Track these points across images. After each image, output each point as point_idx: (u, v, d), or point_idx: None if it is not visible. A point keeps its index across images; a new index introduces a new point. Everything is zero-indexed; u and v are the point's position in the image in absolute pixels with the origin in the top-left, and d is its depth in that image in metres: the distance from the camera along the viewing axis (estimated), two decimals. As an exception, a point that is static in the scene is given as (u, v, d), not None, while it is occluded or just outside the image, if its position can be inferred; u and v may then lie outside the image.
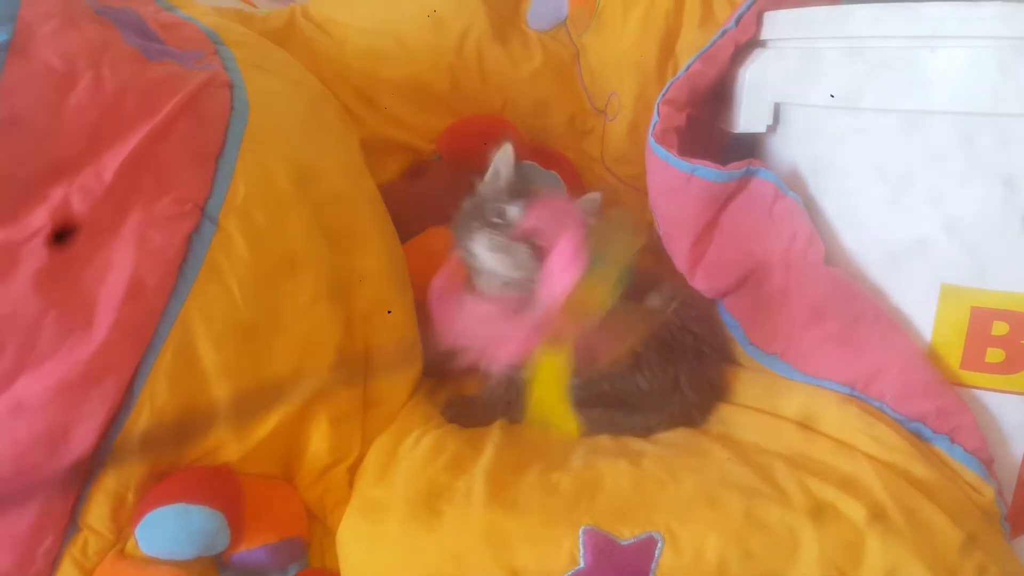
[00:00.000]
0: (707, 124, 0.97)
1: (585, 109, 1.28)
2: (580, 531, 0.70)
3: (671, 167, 0.87)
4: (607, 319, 0.74)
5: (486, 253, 0.83)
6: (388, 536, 0.74)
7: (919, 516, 0.71)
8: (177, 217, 0.73)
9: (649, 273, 0.92)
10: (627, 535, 0.71)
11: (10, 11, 0.75)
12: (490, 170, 0.91)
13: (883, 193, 0.82)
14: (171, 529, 0.71)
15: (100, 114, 0.72)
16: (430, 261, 0.99)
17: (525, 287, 0.80)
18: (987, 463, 0.79)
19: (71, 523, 0.73)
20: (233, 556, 0.75)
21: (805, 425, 0.84)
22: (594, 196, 0.90)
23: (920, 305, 0.82)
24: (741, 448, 0.82)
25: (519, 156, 1.24)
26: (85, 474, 0.72)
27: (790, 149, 0.92)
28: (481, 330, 0.77)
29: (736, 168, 0.85)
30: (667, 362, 0.88)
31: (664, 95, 0.92)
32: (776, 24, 0.91)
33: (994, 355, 0.79)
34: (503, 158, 0.90)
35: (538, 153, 1.27)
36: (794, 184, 0.87)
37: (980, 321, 0.79)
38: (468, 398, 0.93)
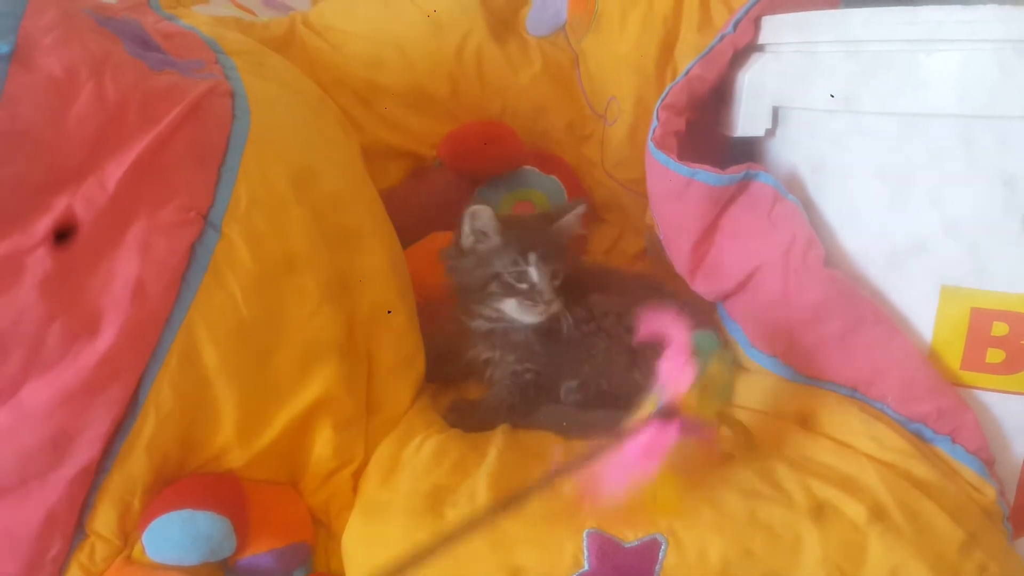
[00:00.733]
0: (706, 128, 0.98)
1: (584, 114, 1.28)
2: (584, 534, 0.71)
3: (671, 171, 0.87)
4: None
5: (522, 315, 0.91)
6: (392, 540, 0.74)
7: (921, 516, 0.72)
8: (180, 225, 0.74)
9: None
10: (631, 537, 0.71)
11: (12, 22, 0.75)
12: (466, 232, 0.92)
13: (883, 193, 0.83)
14: (177, 535, 0.71)
15: (103, 124, 0.72)
16: (432, 265, 1.00)
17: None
18: (989, 464, 0.79)
19: (78, 529, 0.73)
20: (239, 561, 0.75)
21: (806, 426, 0.84)
22: (578, 209, 0.93)
23: (920, 306, 0.82)
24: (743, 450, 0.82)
25: (519, 162, 1.26)
26: (91, 480, 0.72)
27: (790, 150, 0.92)
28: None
29: (735, 172, 0.86)
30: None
31: (663, 100, 0.92)
32: (774, 28, 0.92)
33: (994, 355, 0.80)
34: (484, 221, 0.91)
35: (538, 158, 1.28)
36: (793, 187, 0.87)
37: (980, 322, 0.79)
38: (471, 403, 0.94)
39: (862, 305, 0.84)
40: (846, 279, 0.84)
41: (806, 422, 0.84)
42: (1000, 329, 0.78)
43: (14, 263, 0.68)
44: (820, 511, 0.72)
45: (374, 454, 0.84)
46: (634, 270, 1.12)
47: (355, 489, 0.82)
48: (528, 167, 1.27)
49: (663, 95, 0.93)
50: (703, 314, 0.96)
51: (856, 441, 0.79)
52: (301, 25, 1.27)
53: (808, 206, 0.87)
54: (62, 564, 0.72)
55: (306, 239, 0.82)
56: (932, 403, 0.80)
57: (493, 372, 0.95)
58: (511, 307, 0.91)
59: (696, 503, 0.73)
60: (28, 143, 0.70)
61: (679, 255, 0.94)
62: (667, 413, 0.69)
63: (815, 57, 0.86)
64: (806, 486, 0.74)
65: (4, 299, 0.68)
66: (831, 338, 0.85)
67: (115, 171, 0.72)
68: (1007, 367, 0.80)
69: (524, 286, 0.90)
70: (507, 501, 0.71)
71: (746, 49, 0.94)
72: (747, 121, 0.92)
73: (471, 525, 0.69)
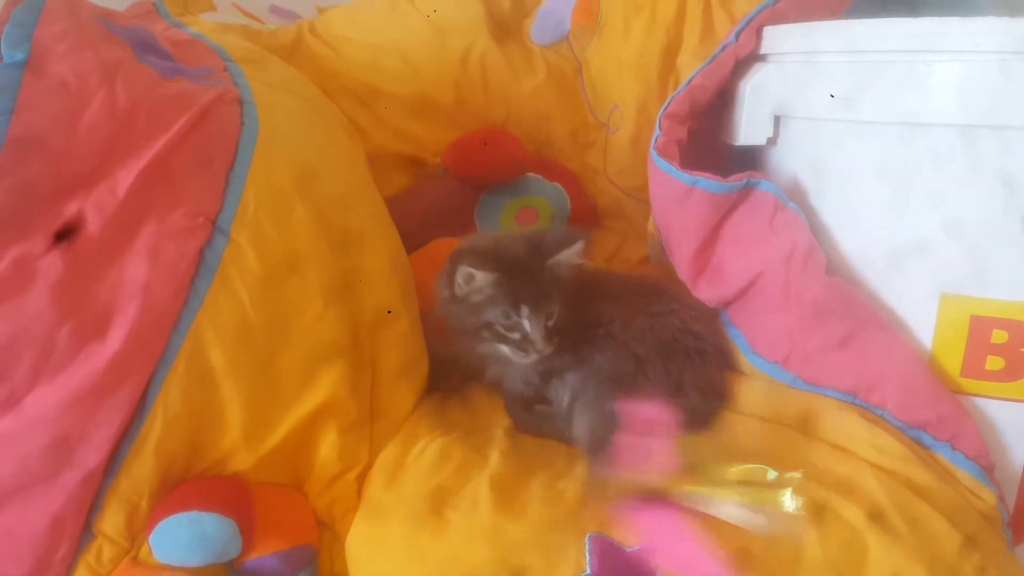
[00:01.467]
0: (708, 137, 0.98)
1: (587, 122, 1.29)
2: (586, 538, 0.71)
3: (673, 179, 0.88)
4: None
5: (514, 358, 0.89)
6: (396, 543, 0.75)
7: (920, 522, 0.72)
8: (189, 230, 0.75)
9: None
10: (633, 541, 0.71)
11: (26, 31, 0.77)
12: (459, 282, 0.89)
13: (883, 194, 0.83)
14: (184, 537, 0.72)
15: (113, 131, 0.74)
16: (436, 271, 1.01)
17: None
18: (988, 470, 0.79)
19: (86, 530, 0.74)
20: (245, 563, 0.75)
21: (807, 432, 0.84)
22: (576, 246, 0.90)
23: (920, 309, 0.82)
24: (743, 456, 0.82)
25: (523, 169, 1.27)
26: (99, 482, 0.73)
27: (790, 153, 0.92)
28: None
29: (737, 180, 0.86)
30: (670, 363, 0.89)
31: (665, 109, 0.92)
32: (775, 38, 0.92)
33: (994, 363, 0.80)
34: (479, 279, 0.88)
35: (541, 165, 1.29)
36: (794, 195, 0.88)
37: (980, 329, 0.79)
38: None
39: (863, 312, 0.84)
40: (847, 286, 0.85)
41: (806, 428, 0.84)
42: (1000, 337, 0.79)
43: (25, 268, 0.69)
44: (820, 516, 0.72)
45: (378, 458, 0.84)
46: (637, 273, 1.12)
47: (359, 492, 0.82)
48: (531, 174, 1.28)
49: (665, 104, 0.93)
50: (706, 318, 0.96)
51: (856, 447, 0.80)
52: (308, 33, 1.28)
53: (809, 209, 0.87)
54: (69, 565, 0.73)
55: (311, 243, 0.82)
56: (932, 410, 0.81)
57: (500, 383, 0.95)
58: (504, 351, 0.90)
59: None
60: (40, 150, 0.71)
61: (681, 262, 0.94)
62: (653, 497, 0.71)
63: (817, 67, 0.87)
64: (806, 492, 0.74)
65: (15, 304, 0.69)
66: (832, 344, 0.85)
67: (125, 177, 0.73)
68: (1007, 375, 0.80)
69: (516, 335, 0.88)
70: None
71: (748, 58, 0.94)
72: (749, 129, 0.92)
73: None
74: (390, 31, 1.27)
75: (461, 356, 0.96)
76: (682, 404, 0.88)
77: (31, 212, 0.70)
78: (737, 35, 0.93)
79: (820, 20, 0.89)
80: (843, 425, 0.82)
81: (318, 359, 0.82)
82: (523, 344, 0.88)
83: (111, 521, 0.74)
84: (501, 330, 0.88)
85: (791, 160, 0.92)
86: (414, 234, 1.09)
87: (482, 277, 0.86)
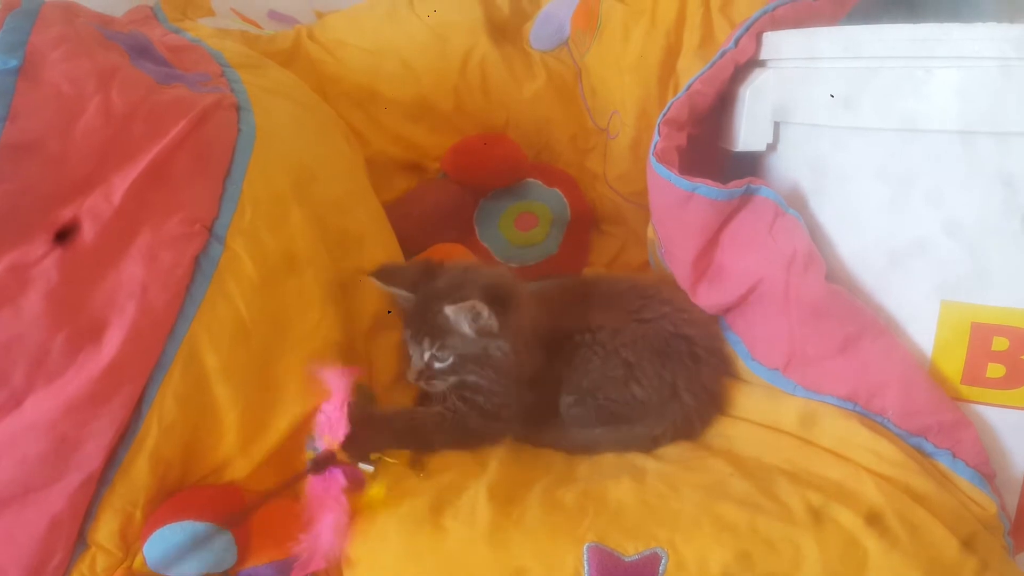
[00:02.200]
0: (708, 143, 0.98)
1: (587, 127, 1.29)
2: (584, 548, 0.70)
3: (672, 186, 0.87)
4: None
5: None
6: (393, 551, 0.74)
7: (920, 529, 0.72)
8: (185, 237, 0.75)
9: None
10: (631, 551, 0.70)
11: (20, 37, 0.76)
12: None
13: (884, 195, 0.82)
14: (178, 547, 0.71)
15: (109, 137, 0.73)
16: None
17: None
18: (989, 478, 0.79)
19: (80, 540, 0.73)
20: (240, 572, 0.75)
21: (806, 439, 0.84)
22: (463, 304, 0.84)
23: (920, 311, 0.82)
24: (743, 462, 0.82)
25: (522, 175, 1.26)
26: (94, 491, 0.72)
27: (790, 155, 0.92)
28: None
29: (736, 186, 0.86)
30: (663, 369, 0.89)
31: (664, 115, 0.92)
32: (775, 44, 0.92)
33: (995, 370, 0.79)
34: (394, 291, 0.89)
35: (541, 171, 1.29)
36: (794, 201, 0.88)
37: (980, 337, 0.79)
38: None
39: (863, 318, 0.83)
40: (847, 292, 0.84)
41: (806, 435, 0.84)
42: (1000, 344, 0.78)
43: (20, 274, 0.69)
44: (820, 524, 0.71)
45: (375, 466, 0.84)
46: (629, 277, 1.12)
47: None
48: (531, 180, 1.27)
49: (665, 110, 0.93)
50: (701, 321, 0.96)
51: (856, 454, 0.79)
52: (306, 38, 1.28)
53: (809, 211, 0.87)
54: (63, 574, 0.72)
55: (308, 248, 0.82)
56: (932, 417, 0.80)
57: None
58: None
59: (696, 515, 0.73)
60: (35, 156, 0.71)
61: (681, 269, 0.94)
62: (322, 463, 0.74)
63: (817, 73, 0.87)
64: (806, 499, 0.74)
65: (10, 310, 0.69)
66: (832, 351, 0.85)
67: (121, 184, 0.73)
68: (1008, 382, 0.79)
69: (411, 356, 0.88)
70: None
71: (747, 64, 0.94)
72: (748, 136, 0.92)
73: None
74: (389, 36, 1.27)
75: None
76: (677, 409, 0.89)
77: (26, 218, 0.70)
78: (736, 41, 0.93)
79: (819, 26, 0.89)
80: (843, 432, 0.82)
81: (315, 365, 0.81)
82: (409, 367, 0.88)
83: (105, 530, 0.73)
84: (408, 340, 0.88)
85: (791, 164, 0.92)
86: (413, 239, 1.09)
87: (393, 292, 0.88)
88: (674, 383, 0.89)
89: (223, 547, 0.72)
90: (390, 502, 0.77)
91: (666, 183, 0.88)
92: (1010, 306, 0.78)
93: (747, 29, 0.93)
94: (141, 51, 0.84)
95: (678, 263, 0.95)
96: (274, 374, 0.79)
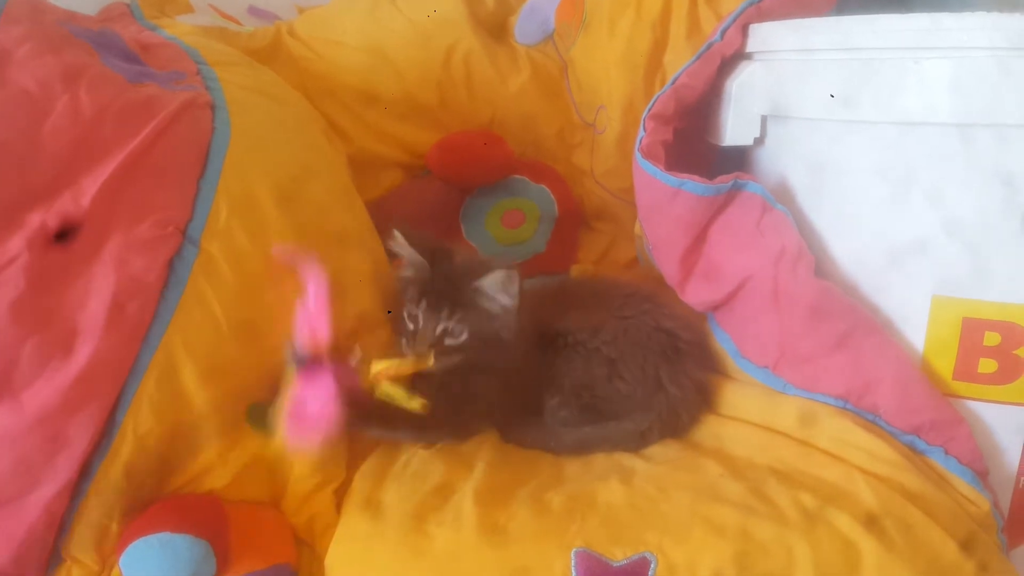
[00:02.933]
0: (694, 137, 0.97)
1: (574, 122, 1.28)
2: (572, 553, 0.70)
3: (658, 182, 0.87)
4: None
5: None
6: (378, 561, 0.73)
7: (914, 529, 0.71)
8: (158, 240, 0.73)
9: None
10: (620, 556, 0.70)
11: (-15, 35, 0.74)
12: (397, 242, 0.90)
13: (882, 192, 0.82)
14: (155, 559, 0.69)
15: (77, 138, 0.72)
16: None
17: None
18: (982, 475, 0.79)
19: (54, 553, 0.72)
20: (220, 584, 0.73)
21: (798, 438, 0.83)
22: (496, 275, 0.86)
23: (919, 311, 0.81)
24: (733, 463, 0.81)
25: (509, 171, 1.25)
26: (67, 503, 0.71)
27: (784, 151, 0.91)
28: None
29: (723, 182, 0.85)
30: (645, 362, 0.89)
31: (650, 109, 0.91)
32: (762, 36, 0.91)
33: (986, 366, 0.79)
34: (407, 254, 0.89)
35: (527, 167, 1.27)
36: (784, 196, 0.87)
37: (972, 332, 0.79)
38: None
39: (854, 315, 0.83)
40: (837, 289, 0.84)
41: (797, 434, 0.83)
42: (992, 339, 0.78)
43: (-15, 283, 0.67)
44: (812, 525, 0.71)
45: (358, 472, 0.83)
46: (611, 277, 1.11)
47: (338, 507, 0.80)
48: (518, 176, 1.26)
49: (650, 105, 0.92)
50: (682, 316, 0.95)
51: (848, 453, 0.79)
52: (287, 35, 1.26)
53: (806, 208, 0.87)
54: (38, 588, 0.71)
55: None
56: (925, 414, 0.80)
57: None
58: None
59: (686, 518, 0.72)
60: (1, 158, 0.69)
61: (668, 266, 0.93)
62: (310, 361, 0.72)
63: (808, 64, 0.86)
64: (797, 500, 0.73)
65: (-26, 321, 0.67)
66: (823, 349, 0.84)
67: (90, 186, 0.71)
68: (1000, 377, 0.79)
69: (412, 328, 0.87)
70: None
71: (734, 57, 0.93)
72: (736, 130, 0.91)
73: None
74: (371, 32, 1.25)
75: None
76: (663, 400, 0.88)
77: (-9, 223, 0.68)
78: (723, 33, 0.92)
79: (807, 17, 0.88)
80: (835, 430, 0.81)
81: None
82: (412, 338, 0.86)
83: (80, 543, 0.72)
84: (406, 317, 0.87)
85: (784, 159, 0.91)
86: (398, 238, 1.08)
87: (410, 253, 0.88)
88: (657, 375, 0.89)
89: (200, 558, 0.70)
90: (371, 507, 0.76)
91: (652, 179, 0.87)
92: (1001, 300, 0.77)
93: (733, 21, 0.92)
94: (111, 49, 0.82)
95: (665, 260, 0.94)
96: (253, 379, 0.78)
